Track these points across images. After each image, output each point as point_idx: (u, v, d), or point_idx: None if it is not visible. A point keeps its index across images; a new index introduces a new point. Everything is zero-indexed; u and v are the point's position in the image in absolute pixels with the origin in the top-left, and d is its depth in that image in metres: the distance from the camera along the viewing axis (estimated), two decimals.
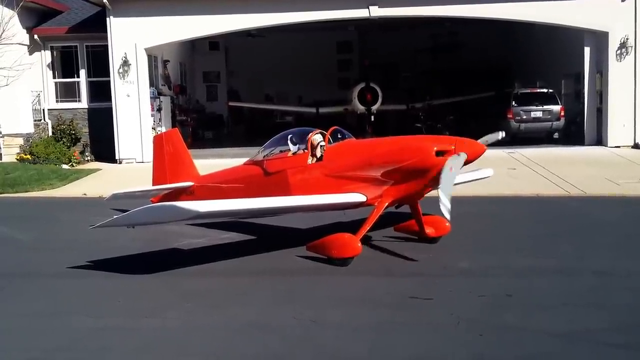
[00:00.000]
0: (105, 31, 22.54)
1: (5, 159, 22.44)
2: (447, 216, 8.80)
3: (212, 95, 34.32)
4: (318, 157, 10.40)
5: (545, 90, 24.04)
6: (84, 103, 24.72)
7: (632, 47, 21.92)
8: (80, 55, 24.54)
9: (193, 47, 32.27)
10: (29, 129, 23.85)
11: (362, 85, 28.52)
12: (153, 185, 12.79)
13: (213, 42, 32.52)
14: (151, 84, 23.80)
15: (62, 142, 23.54)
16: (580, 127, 23.46)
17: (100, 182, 19.00)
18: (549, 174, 17.46)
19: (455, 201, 11.98)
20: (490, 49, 33.11)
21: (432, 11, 22.69)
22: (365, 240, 10.02)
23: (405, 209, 10.52)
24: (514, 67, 32.03)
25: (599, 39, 22.48)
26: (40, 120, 24.50)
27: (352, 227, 10.01)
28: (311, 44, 34.97)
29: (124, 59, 22.44)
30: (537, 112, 23.58)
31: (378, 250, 10.24)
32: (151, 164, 13.30)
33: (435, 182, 9.60)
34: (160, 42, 23.22)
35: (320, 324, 7.22)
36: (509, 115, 23.58)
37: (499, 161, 17.93)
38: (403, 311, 7.58)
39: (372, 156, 9.97)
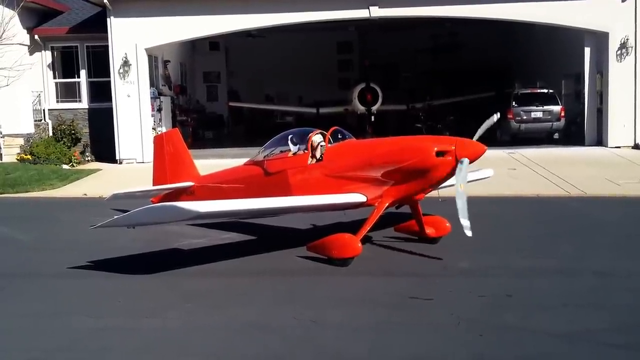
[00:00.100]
0: (106, 31, 22.55)
1: (5, 159, 22.45)
2: (469, 233, 8.87)
3: (212, 96, 34.32)
4: (318, 157, 10.40)
5: (545, 91, 24.04)
6: (84, 103, 24.72)
7: (632, 47, 21.92)
8: (80, 56, 24.55)
9: (193, 47, 32.28)
10: (30, 129, 23.86)
11: (363, 85, 28.53)
12: (153, 185, 12.79)
13: (213, 43, 32.52)
14: (151, 84, 23.80)
15: (62, 142, 23.55)
16: (580, 128, 23.46)
17: (100, 182, 19.00)
18: (549, 174, 17.47)
19: (455, 202, 11.98)
20: (491, 49, 33.11)
21: (432, 11, 22.69)
22: (366, 241, 10.03)
23: (406, 209, 10.52)
24: (514, 68, 32.04)
25: (599, 40, 22.48)
26: (41, 120, 24.51)
27: (353, 227, 10.01)
28: (311, 44, 34.98)
29: (124, 59, 22.45)
30: (537, 113, 23.59)
31: (378, 251, 10.25)
32: (151, 164, 13.31)
33: (435, 183, 9.63)
34: (161, 42, 23.23)
35: (321, 324, 7.22)
36: (509, 116, 23.59)
37: (499, 161, 17.93)
38: (403, 311, 7.58)
39: (372, 156, 9.98)
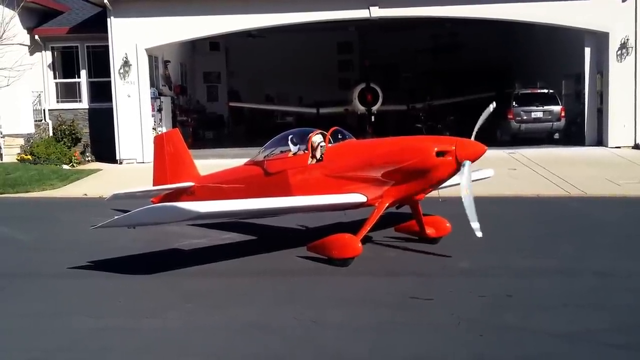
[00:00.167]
0: (106, 31, 22.56)
1: (6, 159, 22.46)
2: (479, 234, 8.95)
3: (212, 96, 34.34)
4: (318, 157, 10.40)
5: (545, 91, 24.03)
6: (84, 103, 24.73)
7: (632, 47, 21.92)
8: (80, 56, 24.56)
9: (194, 47, 32.29)
10: (30, 129, 23.87)
11: (363, 85, 28.54)
12: (154, 185, 12.79)
13: (213, 43, 32.54)
14: (152, 85, 23.81)
15: (62, 142, 23.56)
16: (580, 128, 23.45)
17: (100, 182, 19.01)
18: (550, 174, 17.47)
19: (456, 201, 11.98)
20: (491, 49, 33.11)
21: (433, 12, 22.69)
22: (366, 241, 10.03)
23: (406, 210, 10.52)
24: (515, 68, 32.04)
25: (600, 40, 22.49)
26: (41, 120, 24.51)
27: (353, 227, 10.01)
28: (312, 45, 34.98)
29: (124, 59, 22.46)
30: (537, 113, 23.58)
31: (379, 251, 10.25)
32: (152, 164, 13.31)
33: (435, 183, 9.63)
34: (161, 42, 23.24)
35: (321, 325, 7.22)
36: (510, 116, 23.59)
37: (499, 161, 17.93)
38: (403, 311, 7.59)
39: (372, 157, 9.98)
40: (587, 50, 22.81)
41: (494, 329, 6.95)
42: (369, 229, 9.69)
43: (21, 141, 23.25)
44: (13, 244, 11.82)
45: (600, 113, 22.74)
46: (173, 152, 12.65)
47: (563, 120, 23.54)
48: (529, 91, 24.30)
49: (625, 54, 22.01)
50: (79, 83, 24.74)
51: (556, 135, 23.87)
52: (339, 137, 10.60)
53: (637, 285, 8.39)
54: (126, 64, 22.46)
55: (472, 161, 9.33)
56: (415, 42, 35.85)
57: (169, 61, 27.14)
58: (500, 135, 24.43)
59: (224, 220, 11.70)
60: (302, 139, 10.69)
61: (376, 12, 22.41)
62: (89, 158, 23.73)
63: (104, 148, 23.41)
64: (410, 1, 22.28)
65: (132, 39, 22.38)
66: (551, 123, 23.56)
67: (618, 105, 22.06)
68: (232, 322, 7.36)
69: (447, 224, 10.52)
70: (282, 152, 10.93)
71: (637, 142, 22.10)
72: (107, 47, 22.65)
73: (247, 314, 7.60)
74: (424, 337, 6.79)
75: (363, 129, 27.21)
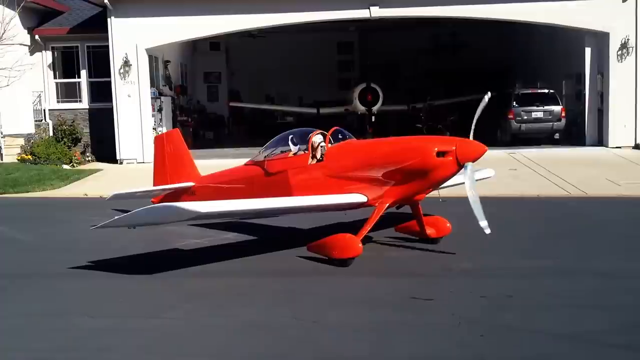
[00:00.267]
0: (106, 31, 22.56)
1: (6, 159, 22.47)
2: (488, 231, 9.04)
3: (213, 96, 34.34)
4: (319, 157, 10.40)
5: (546, 91, 24.02)
6: (84, 103, 24.74)
7: (633, 47, 21.91)
8: (81, 56, 24.58)
9: (194, 47, 32.30)
10: (30, 129, 23.89)
11: (363, 85, 28.54)
12: (154, 185, 12.80)
13: (214, 43, 32.53)
14: (152, 85, 23.82)
15: (63, 142, 23.56)
16: (581, 128, 23.45)
17: (101, 182, 19.01)
18: (550, 174, 17.47)
19: (456, 202, 11.98)
20: (491, 49, 33.09)
21: (433, 12, 22.69)
22: (366, 241, 10.02)
23: (406, 210, 10.52)
24: (515, 68, 32.01)
25: (600, 40, 22.48)
26: (41, 120, 24.52)
27: (353, 227, 10.01)
28: (312, 45, 34.98)
29: (124, 59, 22.46)
30: (538, 113, 23.57)
31: (379, 251, 10.24)
32: (152, 164, 13.31)
33: (436, 183, 9.62)
34: (161, 42, 23.25)
35: (321, 325, 7.22)
36: (510, 116, 23.58)
37: (499, 162, 17.92)
38: (404, 311, 7.58)
39: (373, 157, 9.98)
40: (588, 51, 22.80)
41: (495, 329, 6.95)
42: (369, 229, 9.68)
43: (21, 141, 23.26)
44: (13, 244, 11.82)
45: (601, 113, 22.74)
46: (173, 152, 12.65)
47: (563, 121, 23.52)
48: (530, 91, 24.28)
49: (625, 54, 22.00)
50: (79, 83, 24.75)
51: (556, 136, 23.85)
52: (340, 137, 10.59)
53: (638, 285, 8.39)
54: (126, 64, 22.46)
55: (473, 161, 9.33)
56: (415, 42, 35.84)
57: (169, 61, 27.15)
58: (500, 135, 24.43)
59: (224, 220, 11.71)
60: (303, 139, 10.69)
61: (376, 12, 22.41)
62: (89, 158, 23.74)
63: (104, 148, 23.42)
64: (410, 1, 22.27)
65: (132, 39, 22.38)
66: (551, 123, 23.54)
67: (618, 105, 22.05)
68: (232, 322, 7.36)
69: (448, 224, 10.52)
70: (282, 152, 10.93)
71: (637, 143, 22.09)
72: (107, 47, 22.65)
73: (247, 313, 7.60)
74: (424, 337, 6.79)
75: (363, 129, 27.21)
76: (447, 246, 10.33)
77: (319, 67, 35.47)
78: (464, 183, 11.00)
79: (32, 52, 24.32)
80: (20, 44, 22.97)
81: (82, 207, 15.60)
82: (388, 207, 9.86)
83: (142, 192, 12.74)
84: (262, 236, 11.63)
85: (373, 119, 28.19)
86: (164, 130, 22.96)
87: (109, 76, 22.72)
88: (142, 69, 22.71)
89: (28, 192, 17.55)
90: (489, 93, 9.74)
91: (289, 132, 11.18)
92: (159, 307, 7.95)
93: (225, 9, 22.21)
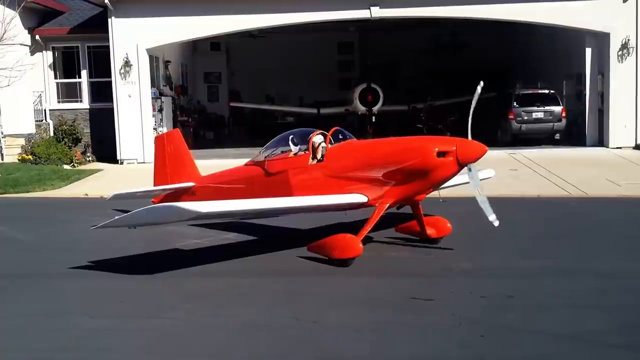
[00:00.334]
0: (107, 32, 22.57)
1: (7, 159, 22.48)
2: (497, 223, 9.37)
3: (213, 96, 34.35)
4: (319, 158, 10.40)
5: (546, 91, 24.02)
6: (85, 103, 24.76)
7: (633, 48, 21.91)
8: (81, 56, 24.59)
9: (194, 47, 32.30)
10: (31, 129, 23.89)
11: (364, 85, 28.54)
12: (154, 185, 12.80)
13: (214, 43, 32.54)
14: (152, 85, 23.82)
15: (63, 142, 23.57)
16: (581, 128, 23.44)
17: (101, 182, 19.02)
18: (550, 174, 17.46)
19: (457, 202, 11.99)
20: (492, 49, 33.08)
21: (433, 12, 22.69)
22: (367, 241, 10.02)
23: (407, 210, 10.52)
24: (515, 68, 32.01)
25: (601, 40, 22.47)
26: (42, 120, 24.53)
27: (354, 227, 10.01)
28: (312, 45, 34.97)
29: (125, 59, 22.46)
30: (538, 113, 23.57)
31: (379, 251, 10.24)
32: (152, 164, 13.32)
33: (436, 183, 9.63)
34: (162, 42, 23.25)
35: (322, 325, 7.22)
36: (511, 116, 23.58)
37: (500, 162, 17.91)
38: (404, 312, 7.58)
39: (373, 157, 9.98)
40: (588, 51, 22.81)
41: (495, 329, 6.95)
42: (369, 229, 9.69)
43: (22, 141, 23.27)
44: (14, 244, 11.82)
45: (601, 113, 22.73)
46: (174, 152, 12.66)
47: (564, 121, 23.52)
48: (530, 91, 24.27)
49: (626, 55, 21.99)
50: (79, 83, 24.76)
51: (557, 136, 23.85)
52: (340, 137, 10.59)
53: (638, 286, 8.39)
54: (127, 64, 22.47)
55: (473, 161, 9.35)
56: (416, 42, 35.82)
57: (170, 61, 27.15)
58: (501, 135, 24.43)
59: (225, 220, 11.71)
60: (303, 139, 10.70)
61: (377, 12, 22.41)
62: (90, 158, 23.75)
63: (105, 148, 23.43)
64: (410, 1, 22.28)
65: (132, 39, 22.38)
66: (552, 123, 23.54)
67: (619, 105, 22.04)
68: (232, 322, 7.36)
69: (448, 225, 10.51)
70: (282, 152, 10.93)
71: (638, 143, 22.08)
72: (107, 47, 22.65)
73: (247, 314, 7.61)
74: (425, 337, 6.79)
75: (364, 129, 27.20)
76: (447, 246, 10.33)
77: (319, 67, 35.46)
78: (464, 183, 11.07)
79: (32, 52, 24.33)
80: (21, 44, 22.98)
81: (83, 207, 15.60)
82: (388, 208, 9.86)
83: (143, 192, 12.74)
84: (263, 236, 11.63)
85: (373, 119, 28.18)
86: (165, 130, 22.96)
87: (110, 76, 22.73)
88: (142, 69, 22.72)
89: (28, 192, 17.55)
90: (482, 83, 9.77)
91: (289, 133, 11.18)
92: (159, 307, 7.95)
93: (226, 9, 22.22)
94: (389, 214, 10.40)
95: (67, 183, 18.72)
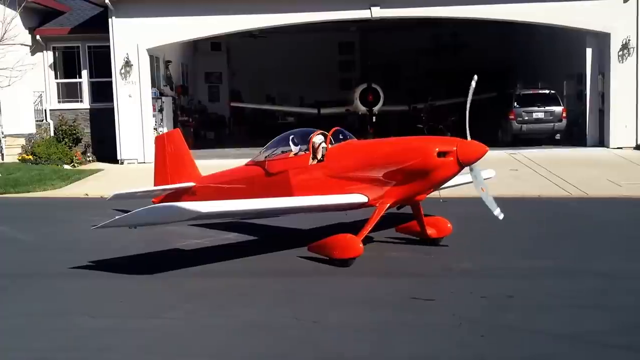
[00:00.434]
0: (107, 32, 22.58)
1: (7, 159, 22.49)
2: (501, 216, 9.53)
3: (214, 96, 34.37)
4: (319, 158, 10.39)
5: (547, 92, 24.02)
6: (85, 103, 24.77)
7: (634, 48, 21.91)
8: (82, 56, 24.60)
9: (195, 47, 32.31)
10: (31, 129, 23.90)
11: (364, 85, 28.54)
12: (155, 185, 12.80)
13: (215, 43, 32.55)
14: (153, 85, 23.82)
15: (64, 142, 23.57)
16: (582, 129, 23.44)
17: (102, 182, 19.02)
18: (551, 175, 17.46)
19: (457, 202, 12.00)
20: (492, 49, 33.09)
21: (434, 12, 22.69)
22: (367, 241, 10.02)
23: (407, 210, 10.51)
24: (516, 68, 32.01)
25: (601, 40, 22.47)
26: (42, 120, 24.54)
27: (354, 227, 10.01)
28: (313, 45, 34.98)
29: (126, 59, 22.46)
30: (539, 113, 23.56)
31: (380, 251, 10.24)
32: (153, 164, 13.31)
33: (437, 183, 9.62)
34: (163, 42, 23.26)
35: (322, 325, 7.22)
36: (511, 116, 23.58)
37: (500, 162, 17.91)
38: (404, 312, 7.58)
39: (373, 157, 9.98)
40: (589, 51, 22.80)
41: (495, 329, 6.95)
42: (370, 229, 9.68)
43: (22, 141, 23.28)
44: (14, 244, 11.83)
45: (602, 114, 22.72)
46: (174, 152, 12.66)
47: (564, 121, 23.52)
48: (531, 92, 24.27)
49: (626, 55, 21.98)
50: (80, 83, 24.77)
51: (557, 136, 23.85)
52: (340, 137, 10.60)
53: (638, 286, 8.38)
54: (127, 64, 22.47)
55: (474, 162, 9.35)
56: (416, 42, 35.84)
57: (170, 61, 27.15)
58: (501, 135, 24.42)
59: (225, 220, 11.70)
60: (303, 139, 10.70)
61: (377, 12, 22.41)
62: (90, 158, 23.75)
63: (105, 148, 23.43)
64: (411, 2, 22.28)
65: (133, 39, 22.38)
66: (552, 124, 23.54)
67: (620, 105, 22.04)
68: (232, 322, 7.36)
69: (448, 225, 10.51)
70: (283, 152, 10.93)
71: (638, 143, 22.07)
72: (108, 47, 22.65)
73: (247, 314, 7.60)
74: (425, 337, 6.79)
75: (364, 129, 27.20)
76: (447, 246, 10.33)
77: (320, 68, 35.46)
78: (465, 183, 11.08)
79: (33, 52, 24.34)
80: (22, 44, 22.99)
81: (83, 207, 15.60)
82: (389, 208, 9.86)
83: (143, 192, 12.74)
84: (263, 236, 11.63)
85: (374, 119, 28.18)
86: (165, 130, 22.96)
87: (110, 76, 22.73)
88: (143, 69, 22.72)
89: (29, 192, 17.55)
90: (475, 77, 9.78)
91: (289, 133, 11.18)
92: (160, 307, 7.95)
93: (226, 9, 22.22)
94: (389, 214, 10.39)
95: (68, 183, 18.72)
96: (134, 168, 21.79)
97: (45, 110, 24.67)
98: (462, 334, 6.81)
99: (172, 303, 8.06)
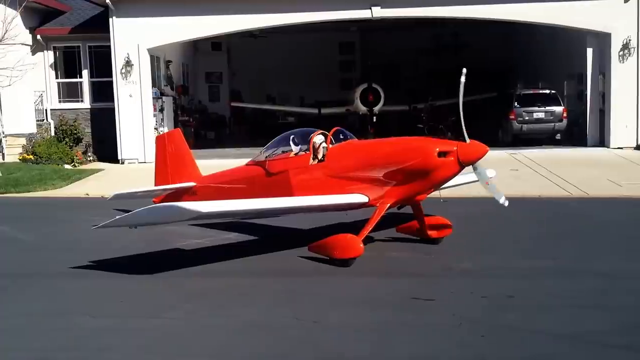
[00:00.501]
0: (108, 31, 22.58)
1: (8, 159, 22.49)
2: (506, 203, 9.70)
3: (214, 96, 34.37)
4: (320, 158, 10.40)
5: (547, 91, 24.00)
6: (86, 103, 24.77)
7: (634, 48, 21.89)
8: (82, 56, 24.60)
9: (195, 47, 32.31)
10: (32, 129, 23.91)
11: (364, 85, 28.53)
12: (155, 185, 12.81)
13: (215, 43, 32.55)
14: (153, 84, 23.82)
15: (64, 142, 23.58)
16: (582, 128, 23.43)
17: (102, 182, 19.02)
18: (551, 175, 17.45)
19: (457, 202, 12.00)
20: (493, 49, 33.08)
21: (434, 12, 22.69)
22: (367, 241, 10.01)
23: (408, 210, 10.52)
24: (517, 68, 32.00)
25: (602, 40, 22.46)
26: (43, 120, 24.55)
27: (354, 227, 10.01)
28: (313, 45, 34.98)
29: (126, 59, 22.47)
30: (539, 113, 23.55)
31: (380, 251, 10.24)
32: (153, 164, 13.32)
33: (437, 183, 9.63)
34: (163, 42, 23.26)
35: (322, 325, 7.22)
36: (511, 116, 23.57)
37: (501, 162, 17.91)
38: (405, 312, 7.58)
39: (374, 157, 9.98)
40: (589, 51, 22.79)
41: (495, 329, 6.95)
42: (370, 229, 9.68)
43: (23, 141, 23.29)
44: (15, 243, 11.83)
45: (602, 114, 22.71)
46: (175, 152, 12.66)
47: (565, 121, 23.51)
48: (531, 92, 24.25)
49: (627, 55, 21.97)
50: (80, 83, 24.78)
51: (558, 136, 23.84)
52: (341, 137, 10.60)
53: (639, 286, 8.38)
54: (128, 63, 22.48)
55: (474, 162, 9.35)
56: (417, 42, 35.82)
57: (171, 61, 27.15)
58: (501, 135, 24.42)
59: (225, 220, 11.71)
60: (304, 139, 10.69)
61: (378, 12, 22.40)
62: (91, 158, 23.76)
63: (106, 148, 23.44)
64: (412, 1, 22.26)
65: (134, 39, 22.39)
66: (553, 124, 23.53)
67: (620, 105, 22.02)
68: (233, 322, 7.37)
69: (449, 225, 10.51)
70: (283, 152, 10.93)
71: (639, 143, 22.07)
72: (109, 47, 22.65)
73: (248, 314, 7.61)
74: (425, 337, 6.79)
75: (365, 129, 27.19)
76: (448, 246, 10.33)
77: (320, 67, 35.46)
78: (465, 183, 11.10)
79: (33, 52, 24.35)
80: (22, 44, 23.00)
81: (84, 206, 15.61)
82: (389, 208, 9.86)
83: (143, 192, 12.74)
84: (263, 236, 11.63)
85: (374, 119, 28.17)
86: (166, 130, 22.96)
87: (111, 76, 22.73)
88: (143, 68, 22.72)
89: (30, 191, 17.56)
90: (465, 70, 9.79)
91: (290, 132, 11.18)
92: (160, 307, 7.95)
93: (227, 9, 22.22)
94: (389, 214, 10.40)
95: (68, 183, 18.73)
96: (134, 168, 21.79)
97: (45, 110, 24.68)
98: (462, 334, 6.81)
99: (172, 303, 8.07)
